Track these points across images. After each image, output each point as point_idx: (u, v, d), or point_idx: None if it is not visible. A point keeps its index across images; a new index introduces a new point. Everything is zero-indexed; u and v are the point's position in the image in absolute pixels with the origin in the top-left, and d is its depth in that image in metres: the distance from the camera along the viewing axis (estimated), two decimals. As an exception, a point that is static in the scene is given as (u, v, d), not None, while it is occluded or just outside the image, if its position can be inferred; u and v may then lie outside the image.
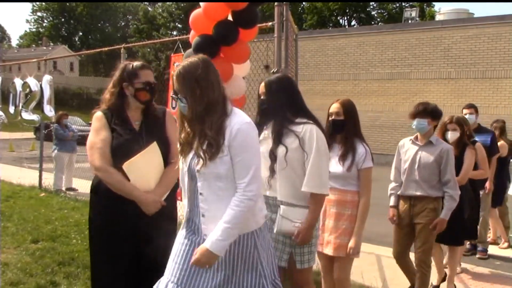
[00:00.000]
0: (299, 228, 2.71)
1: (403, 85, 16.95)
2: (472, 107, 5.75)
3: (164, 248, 2.54)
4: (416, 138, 4.10)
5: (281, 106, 2.85)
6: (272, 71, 5.21)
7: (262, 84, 3.01)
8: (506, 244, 6.21)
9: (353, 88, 18.03)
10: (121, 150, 2.70)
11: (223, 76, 4.62)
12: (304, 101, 2.99)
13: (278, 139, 2.79)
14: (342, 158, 3.27)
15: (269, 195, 2.81)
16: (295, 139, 2.75)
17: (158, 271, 2.80)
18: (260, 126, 2.85)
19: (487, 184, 5.64)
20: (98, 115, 2.83)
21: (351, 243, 3.20)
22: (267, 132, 2.88)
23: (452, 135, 4.52)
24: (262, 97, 2.99)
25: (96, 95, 41.09)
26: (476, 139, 5.02)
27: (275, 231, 2.74)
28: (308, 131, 2.76)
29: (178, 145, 2.39)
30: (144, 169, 2.68)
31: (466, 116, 5.35)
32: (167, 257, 2.48)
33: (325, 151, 2.80)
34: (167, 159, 2.81)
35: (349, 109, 3.35)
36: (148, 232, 2.71)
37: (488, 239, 6.17)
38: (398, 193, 4.08)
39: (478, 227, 5.23)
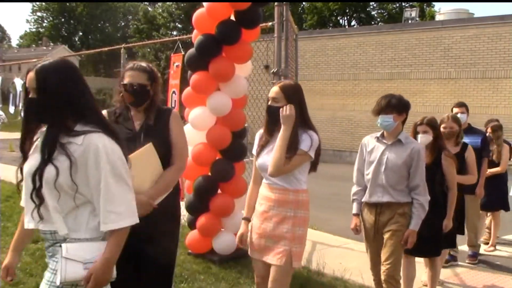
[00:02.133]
0: (91, 269, 1.95)
1: (403, 85, 16.94)
2: (463, 105, 5.46)
3: (165, 248, 2.53)
4: (382, 135, 3.60)
5: (58, 107, 1.97)
6: (272, 71, 5.21)
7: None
8: (492, 248, 6.07)
9: (353, 88, 18.03)
10: None
11: (224, 75, 4.67)
12: (92, 99, 2.08)
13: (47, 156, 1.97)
14: None
15: (44, 229, 2.04)
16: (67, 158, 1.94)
17: (158, 271, 2.79)
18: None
19: (477, 189, 5.26)
20: (102, 113, 2.84)
21: (295, 250, 2.84)
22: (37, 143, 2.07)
23: (423, 139, 4.03)
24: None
25: (96, 95, 40.95)
26: (466, 140, 4.83)
27: (58, 281, 1.94)
28: (90, 144, 1.95)
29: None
30: (136, 170, 2.61)
31: (458, 116, 5.02)
32: (168, 256, 2.48)
33: (121, 168, 2.02)
34: (168, 160, 2.77)
35: (290, 94, 2.90)
36: (148, 232, 2.69)
37: (480, 241, 5.98)
38: (363, 199, 3.64)
39: (466, 232, 5.04)
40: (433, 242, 4.02)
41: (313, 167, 2.98)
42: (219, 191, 4.88)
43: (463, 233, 4.87)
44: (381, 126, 3.51)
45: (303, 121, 2.89)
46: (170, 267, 2.85)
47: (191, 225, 5.05)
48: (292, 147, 2.80)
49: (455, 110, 5.35)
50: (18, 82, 7.52)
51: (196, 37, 4.76)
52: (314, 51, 18.99)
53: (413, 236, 3.42)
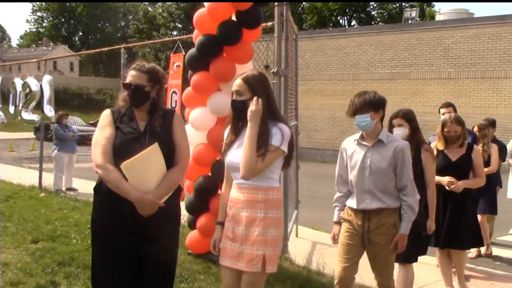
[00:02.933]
0: None
1: (403, 85, 16.95)
2: (450, 105, 5.24)
3: (165, 248, 2.53)
4: (362, 137, 3.33)
5: None
6: (272, 71, 5.21)
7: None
8: (489, 251, 5.85)
9: (353, 88, 18.03)
10: (123, 148, 2.69)
11: (225, 76, 4.66)
12: None
13: None
14: None
15: None
16: None
17: (159, 272, 2.79)
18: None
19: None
20: (105, 112, 2.85)
21: (269, 254, 2.63)
22: None
23: (398, 133, 3.78)
24: None
25: (96, 95, 41.06)
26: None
27: None
28: None
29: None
30: (143, 170, 2.65)
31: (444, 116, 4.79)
32: (168, 257, 2.48)
33: None
34: (172, 161, 2.78)
35: (255, 85, 2.69)
36: (149, 232, 2.69)
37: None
38: (349, 205, 3.37)
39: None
40: (411, 246, 3.60)
41: (287, 162, 2.79)
42: (219, 191, 4.88)
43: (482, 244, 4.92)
44: (358, 127, 3.27)
45: (271, 114, 2.70)
46: (171, 268, 2.85)
47: (191, 225, 5.05)
48: (263, 144, 2.60)
49: (442, 110, 5.15)
50: (18, 82, 7.49)
51: (197, 37, 4.75)
52: (314, 51, 18.99)
53: (403, 240, 3.22)
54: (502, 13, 28.96)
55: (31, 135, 22.79)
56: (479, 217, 5.49)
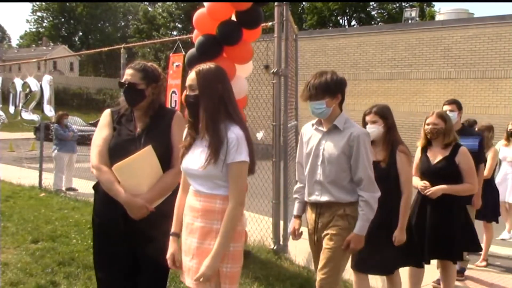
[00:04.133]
0: None
1: (403, 85, 16.94)
2: (453, 102, 4.69)
3: (161, 248, 2.52)
4: (320, 122, 3.03)
5: None
6: (272, 71, 5.22)
7: None
8: (484, 263, 5.41)
9: (353, 88, 18.01)
10: (117, 150, 2.67)
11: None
12: None
13: None
14: (203, 150, 2.34)
15: None
16: None
17: (155, 272, 2.79)
18: None
19: (475, 199, 4.59)
20: (105, 112, 2.84)
21: (203, 267, 2.24)
22: None
23: (371, 131, 3.41)
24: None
25: (96, 95, 41.04)
26: (463, 143, 4.22)
27: None
28: None
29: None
30: (135, 172, 2.61)
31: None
32: (164, 257, 2.47)
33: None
34: (169, 163, 2.73)
35: (206, 80, 2.39)
36: (144, 232, 2.68)
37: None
38: (305, 198, 3.09)
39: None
40: (386, 258, 3.40)
41: (250, 170, 2.39)
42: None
43: (478, 250, 4.42)
44: (313, 114, 2.97)
45: (226, 113, 2.35)
46: (166, 268, 2.85)
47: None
48: (215, 153, 2.28)
49: (445, 107, 4.65)
50: (18, 82, 7.50)
51: (196, 37, 4.75)
52: (314, 51, 18.99)
53: (356, 241, 2.84)
54: (502, 13, 28.99)
55: (31, 135, 22.78)
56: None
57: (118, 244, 2.72)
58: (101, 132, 2.75)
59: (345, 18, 47.40)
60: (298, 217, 3.19)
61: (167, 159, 2.73)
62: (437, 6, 63.72)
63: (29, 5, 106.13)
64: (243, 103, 5.05)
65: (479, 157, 4.52)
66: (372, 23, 44.17)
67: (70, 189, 9.62)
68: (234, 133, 2.31)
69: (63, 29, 68.20)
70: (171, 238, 2.52)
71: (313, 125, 3.07)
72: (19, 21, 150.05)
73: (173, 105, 6.19)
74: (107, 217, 2.74)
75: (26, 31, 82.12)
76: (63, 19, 67.05)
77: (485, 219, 5.43)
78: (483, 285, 4.83)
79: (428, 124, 3.91)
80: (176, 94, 6.07)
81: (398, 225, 3.40)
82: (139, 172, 2.62)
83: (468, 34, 15.60)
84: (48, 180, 9.65)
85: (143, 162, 2.63)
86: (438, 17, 21.21)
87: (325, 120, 2.98)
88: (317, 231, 3.01)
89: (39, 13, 68.09)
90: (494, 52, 15.14)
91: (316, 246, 3.08)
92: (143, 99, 2.77)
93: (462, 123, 4.76)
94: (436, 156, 3.89)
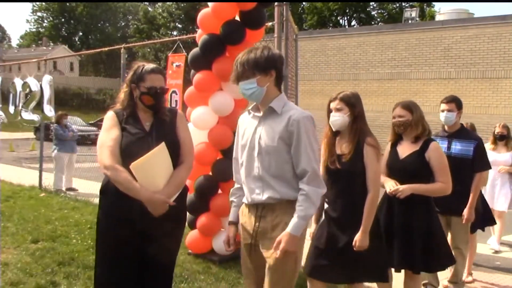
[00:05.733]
0: None
1: (403, 85, 16.95)
2: (452, 101, 4.14)
3: (168, 250, 2.53)
4: (256, 107, 2.62)
5: None
6: (272, 71, 5.21)
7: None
8: (470, 278, 4.84)
9: (353, 88, 18.00)
10: (130, 149, 2.69)
11: (228, 75, 4.65)
12: None
13: None
14: None
15: None
16: None
17: (163, 273, 2.79)
18: None
19: (466, 212, 4.02)
20: (109, 114, 2.84)
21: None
22: None
23: (335, 119, 3.08)
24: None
25: (96, 95, 41.05)
26: (457, 147, 3.99)
27: None
28: None
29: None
30: (151, 170, 2.65)
31: (444, 114, 4.11)
32: (173, 259, 2.47)
33: None
34: (178, 160, 2.79)
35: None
36: (155, 234, 2.69)
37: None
38: (243, 200, 2.67)
39: (455, 265, 3.98)
40: (348, 266, 3.00)
41: None
42: (219, 191, 4.88)
43: (428, 270, 3.69)
44: (245, 97, 2.58)
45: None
46: (171, 269, 2.85)
47: (191, 225, 5.04)
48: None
49: (442, 106, 4.14)
50: (18, 82, 7.50)
51: (200, 36, 4.77)
52: (314, 51, 19.00)
53: (288, 241, 2.38)
54: (503, 13, 29.01)
55: (31, 135, 22.79)
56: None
57: (130, 247, 2.72)
58: (110, 133, 2.75)
59: (345, 18, 47.41)
60: (234, 224, 2.71)
61: (176, 155, 2.78)
62: (437, 6, 63.80)
63: (29, 5, 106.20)
64: (244, 103, 5.06)
65: (473, 165, 4.05)
66: (372, 23, 44.19)
67: (70, 189, 9.61)
68: None
69: (63, 29, 68.19)
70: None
71: (250, 112, 2.65)
72: (19, 21, 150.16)
73: (173, 105, 6.20)
74: (120, 219, 2.72)
75: (26, 31, 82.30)
76: (63, 19, 67.03)
77: (472, 230, 4.65)
78: (483, 285, 4.83)
79: (393, 117, 3.52)
80: (177, 94, 6.07)
81: (360, 228, 2.98)
82: (155, 169, 2.66)
83: (468, 34, 15.61)
84: (48, 180, 9.64)
85: (158, 159, 2.67)
86: (438, 17, 21.23)
87: (262, 104, 2.55)
88: (256, 238, 2.53)
89: (39, 13, 68.11)
90: (494, 52, 15.15)
91: (252, 259, 2.60)
92: (165, 101, 2.90)
93: (462, 124, 4.25)
94: (405, 150, 3.50)
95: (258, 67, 2.46)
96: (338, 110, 3.07)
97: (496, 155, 5.87)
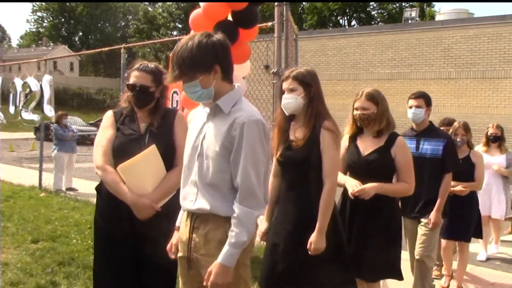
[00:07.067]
0: None
1: (403, 85, 16.95)
2: (420, 96, 3.84)
3: (164, 250, 2.52)
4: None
5: None
6: (272, 71, 5.22)
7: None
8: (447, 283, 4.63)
9: (353, 88, 18.03)
10: (121, 150, 2.68)
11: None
12: None
13: None
14: None
15: None
16: None
17: (158, 274, 2.79)
18: None
19: (433, 215, 3.67)
20: (108, 114, 2.84)
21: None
22: None
23: (287, 101, 2.72)
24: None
25: (96, 95, 41.04)
26: (426, 147, 3.73)
27: None
28: None
29: None
30: (141, 172, 2.61)
31: (411, 111, 3.80)
32: (169, 259, 2.46)
33: None
34: (172, 162, 2.73)
35: None
36: (148, 234, 2.67)
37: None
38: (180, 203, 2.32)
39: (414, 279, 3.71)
40: (301, 274, 2.61)
41: None
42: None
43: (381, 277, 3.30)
44: (193, 100, 2.18)
45: None
46: (172, 269, 2.83)
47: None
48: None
49: (410, 102, 3.85)
50: (18, 82, 7.50)
51: (193, 38, 4.76)
52: (314, 51, 19.00)
53: (217, 273, 2.00)
54: (502, 13, 29.00)
55: (31, 135, 22.78)
56: (443, 243, 4.51)
57: (123, 246, 2.72)
58: (105, 133, 2.75)
59: (345, 18, 47.42)
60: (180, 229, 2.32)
61: (171, 158, 2.73)
62: (437, 6, 63.76)
63: (29, 5, 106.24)
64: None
65: (443, 163, 3.75)
66: (372, 23, 44.19)
67: (70, 189, 9.61)
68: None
69: (63, 29, 68.17)
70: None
71: (203, 106, 2.26)
72: (19, 21, 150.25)
73: (174, 105, 6.20)
74: (111, 219, 2.73)
75: (26, 31, 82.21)
76: (63, 19, 67.02)
77: (462, 239, 4.55)
78: (483, 285, 4.83)
79: (356, 109, 3.11)
80: (177, 94, 6.07)
81: (316, 227, 2.58)
82: (144, 172, 2.62)
83: (468, 34, 15.61)
84: (48, 180, 9.64)
85: (147, 162, 2.63)
86: (438, 17, 21.23)
87: (214, 101, 2.16)
88: (191, 252, 2.17)
89: (39, 13, 68.09)
90: (494, 52, 15.15)
91: (190, 275, 2.22)
92: (153, 101, 2.79)
93: (430, 122, 3.93)
94: (368, 146, 3.13)
95: (197, 65, 2.04)
96: (291, 91, 2.70)
97: (489, 158, 5.45)
